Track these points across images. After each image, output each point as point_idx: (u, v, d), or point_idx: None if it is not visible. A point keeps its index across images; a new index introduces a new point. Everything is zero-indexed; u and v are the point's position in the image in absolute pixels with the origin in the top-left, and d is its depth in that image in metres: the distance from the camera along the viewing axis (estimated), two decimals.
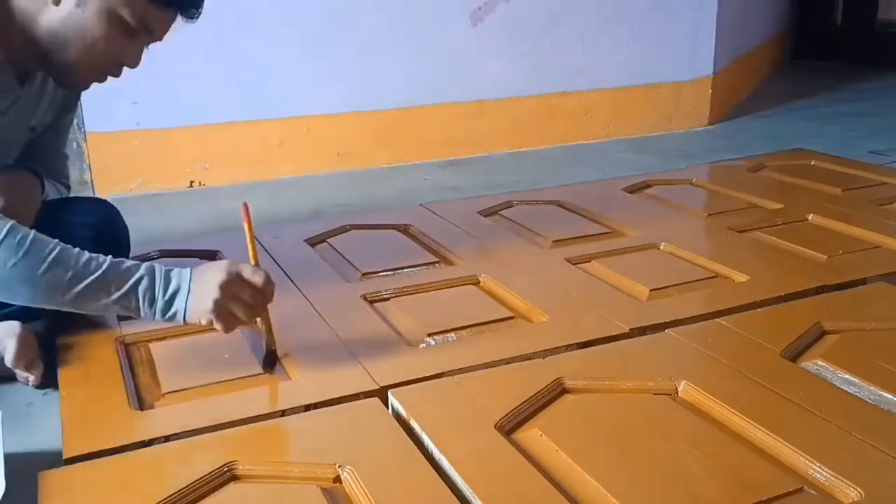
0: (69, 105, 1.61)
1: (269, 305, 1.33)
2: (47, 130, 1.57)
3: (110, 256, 1.23)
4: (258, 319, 1.35)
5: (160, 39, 1.38)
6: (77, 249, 1.21)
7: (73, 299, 1.20)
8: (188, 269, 1.27)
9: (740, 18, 3.86)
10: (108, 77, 1.39)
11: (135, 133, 2.62)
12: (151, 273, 1.24)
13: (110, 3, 1.27)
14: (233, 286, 1.25)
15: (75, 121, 2.53)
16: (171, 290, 1.24)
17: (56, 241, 1.21)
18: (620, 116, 3.34)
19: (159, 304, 1.24)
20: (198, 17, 1.38)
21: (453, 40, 2.98)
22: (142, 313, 1.24)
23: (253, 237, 1.33)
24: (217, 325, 1.26)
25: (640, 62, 3.32)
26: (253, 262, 1.31)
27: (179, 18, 1.37)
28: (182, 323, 1.27)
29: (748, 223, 2.02)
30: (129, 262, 1.24)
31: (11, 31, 1.30)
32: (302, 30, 2.75)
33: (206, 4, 1.41)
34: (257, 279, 1.28)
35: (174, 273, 1.26)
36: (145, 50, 1.38)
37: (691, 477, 1.04)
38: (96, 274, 1.20)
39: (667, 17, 3.32)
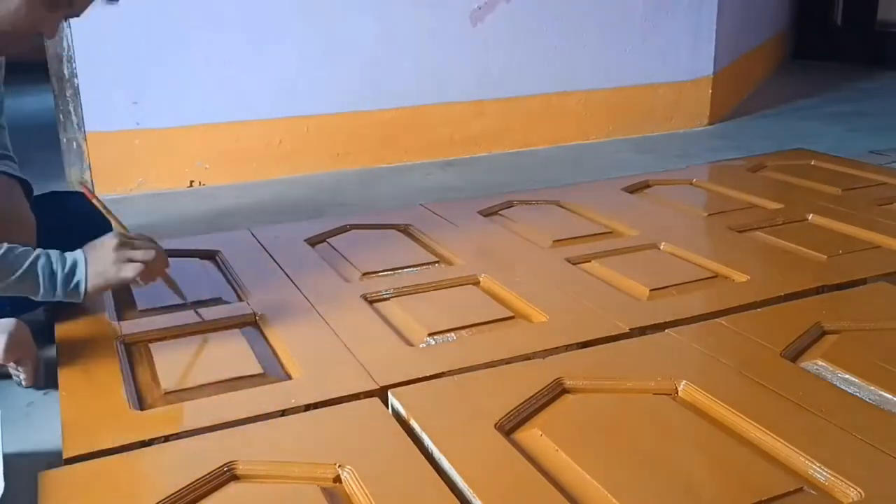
0: None
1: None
2: None
3: (5, 244, 1.28)
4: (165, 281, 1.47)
5: (78, 15, 1.40)
6: None
7: None
8: (80, 249, 1.36)
9: (740, 18, 3.86)
10: (28, 44, 1.39)
11: (135, 133, 2.62)
12: (47, 253, 1.32)
13: None
14: (125, 246, 1.36)
15: (75, 120, 2.54)
16: (69, 265, 1.32)
17: None
18: (620, 116, 3.34)
19: (59, 277, 1.31)
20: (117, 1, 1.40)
21: (453, 40, 2.98)
22: (41, 290, 1.30)
23: (108, 210, 1.46)
24: (123, 276, 1.35)
25: (640, 62, 3.32)
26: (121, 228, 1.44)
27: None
28: (82, 294, 1.33)
29: (748, 223, 2.02)
30: (23, 248, 1.30)
31: None
32: (302, 29, 2.75)
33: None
34: (146, 241, 1.41)
35: (68, 253, 1.34)
36: (67, 40, 1.40)
37: (691, 477, 1.04)
38: None
39: (667, 17, 3.32)
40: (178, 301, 1.54)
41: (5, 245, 1.29)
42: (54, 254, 1.33)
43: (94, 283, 1.34)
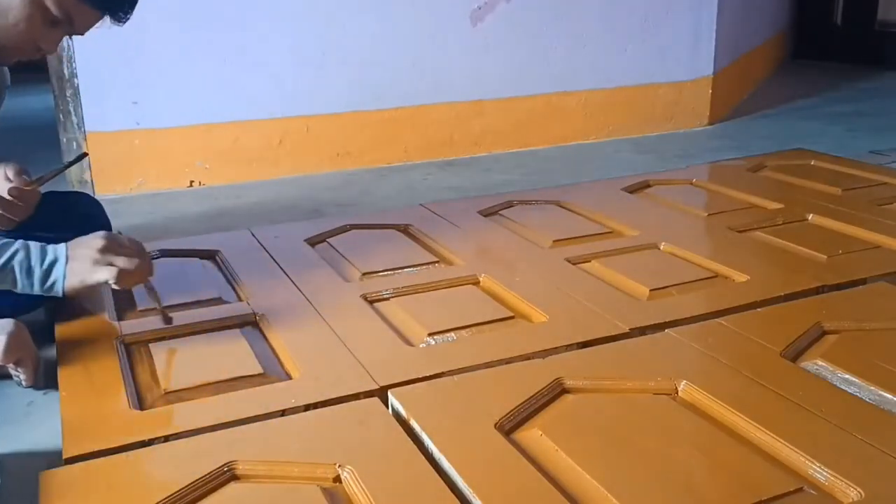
0: None
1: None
2: None
3: None
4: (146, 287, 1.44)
5: (81, 34, 1.40)
6: None
7: None
8: (64, 244, 1.34)
9: (740, 18, 3.86)
10: (27, 57, 1.40)
11: (135, 133, 2.62)
12: (26, 246, 1.30)
13: None
14: (109, 250, 1.34)
15: (75, 120, 2.54)
16: (48, 261, 1.30)
17: None
18: (620, 116, 3.34)
19: (37, 273, 1.29)
20: (125, 21, 1.40)
21: (453, 40, 2.98)
22: (19, 285, 1.30)
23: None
24: (97, 278, 1.33)
25: (640, 62, 3.32)
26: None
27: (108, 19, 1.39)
28: (60, 293, 1.32)
29: (748, 223, 2.02)
30: (3, 239, 1.29)
31: None
32: (302, 29, 2.75)
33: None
34: (135, 247, 1.38)
35: (50, 247, 1.32)
36: (67, 39, 1.41)
37: (691, 477, 1.04)
38: None
39: (667, 17, 3.32)
40: (178, 301, 1.54)
41: None
42: (35, 249, 1.30)
43: (71, 284, 1.32)
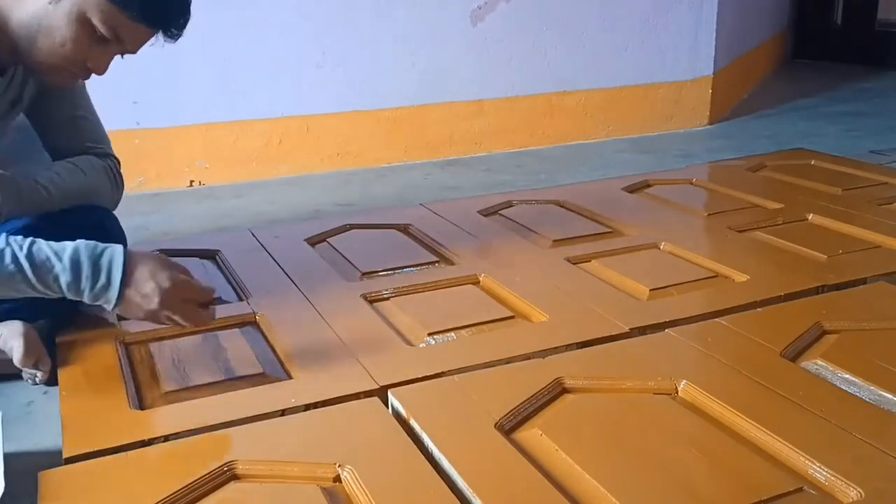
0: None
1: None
2: (41, 109, 1.53)
3: (30, 240, 1.19)
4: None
5: (133, 52, 1.34)
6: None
7: None
8: (120, 257, 1.22)
9: (740, 18, 3.86)
10: (78, 78, 1.37)
11: (135, 133, 2.62)
12: (76, 265, 1.19)
13: (82, 6, 1.24)
14: (176, 296, 1.25)
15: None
16: (99, 286, 1.21)
17: None
18: (620, 116, 3.34)
19: (86, 296, 1.21)
20: (178, 38, 1.34)
21: (453, 40, 2.98)
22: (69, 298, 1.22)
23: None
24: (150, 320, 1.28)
25: (640, 62, 3.32)
26: None
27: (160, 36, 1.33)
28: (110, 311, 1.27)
29: (748, 223, 2.02)
30: (49, 251, 1.19)
31: None
32: (302, 29, 2.75)
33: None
34: (204, 295, 1.31)
35: (104, 261, 1.21)
36: (118, 58, 1.35)
37: (691, 477, 1.04)
38: (11, 268, 1.16)
39: (667, 17, 3.32)
40: None
41: (29, 246, 1.18)
42: (86, 264, 1.20)
43: (123, 314, 1.29)
